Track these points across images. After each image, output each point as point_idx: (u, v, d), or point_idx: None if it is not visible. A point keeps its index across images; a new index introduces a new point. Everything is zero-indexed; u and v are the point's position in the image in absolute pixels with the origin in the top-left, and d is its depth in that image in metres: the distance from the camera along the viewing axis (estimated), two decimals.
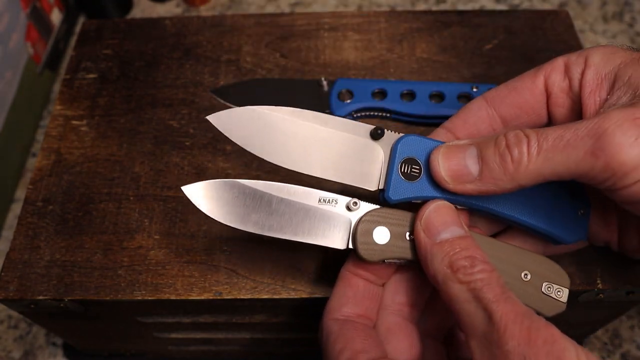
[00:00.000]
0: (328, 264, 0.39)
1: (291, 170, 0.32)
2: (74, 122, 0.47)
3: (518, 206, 0.32)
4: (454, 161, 0.30)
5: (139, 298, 0.38)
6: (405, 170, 0.31)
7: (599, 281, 0.38)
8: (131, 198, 0.43)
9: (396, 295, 0.34)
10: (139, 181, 0.43)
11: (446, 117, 0.44)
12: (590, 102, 0.31)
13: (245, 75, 0.49)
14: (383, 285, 0.34)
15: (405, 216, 0.32)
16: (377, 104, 0.45)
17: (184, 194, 0.32)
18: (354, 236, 0.31)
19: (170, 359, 0.55)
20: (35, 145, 0.68)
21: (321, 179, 0.32)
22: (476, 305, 0.27)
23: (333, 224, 0.32)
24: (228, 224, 0.32)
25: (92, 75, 0.50)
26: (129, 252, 0.40)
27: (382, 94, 0.46)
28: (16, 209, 0.63)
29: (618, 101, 0.30)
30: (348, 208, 0.32)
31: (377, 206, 0.32)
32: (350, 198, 0.32)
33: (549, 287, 0.32)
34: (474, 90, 0.45)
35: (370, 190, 0.32)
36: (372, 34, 0.51)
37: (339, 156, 0.32)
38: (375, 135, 0.32)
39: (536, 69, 0.34)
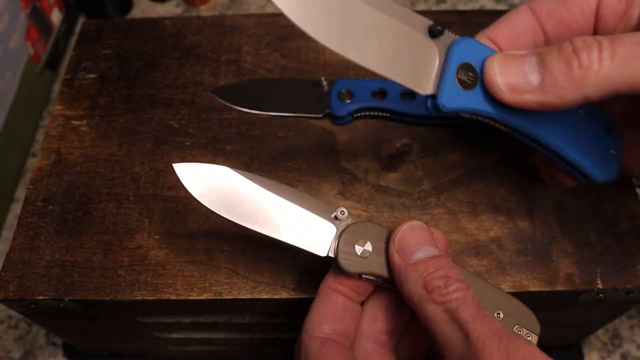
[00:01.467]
0: (328, 264, 0.39)
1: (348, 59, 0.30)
2: (74, 122, 0.47)
3: (559, 134, 0.30)
4: (512, 68, 0.27)
5: (139, 298, 0.38)
6: (461, 77, 0.28)
7: (599, 281, 0.38)
8: (131, 198, 0.43)
9: (374, 322, 0.33)
10: (139, 181, 0.43)
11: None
12: None
13: (245, 75, 0.49)
14: (362, 303, 0.34)
15: (385, 232, 0.32)
16: (377, 104, 0.45)
17: (179, 179, 0.32)
18: (337, 245, 0.31)
19: (170, 359, 0.55)
20: (35, 145, 0.68)
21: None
22: (452, 326, 0.27)
23: (317, 229, 0.32)
24: (213, 210, 0.32)
25: (92, 75, 0.50)
26: (129, 252, 0.40)
27: (382, 94, 0.46)
28: (16, 209, 0.63)
29: None
30: (335, 217, 0.32)
31: (364, 220, 0.32)
32: (338, 207, 0.32)
33: (519, 330, 0.31)
34: None
35: (422, 95, 0.29)
36: None
37: (394, 50, 0.29)
38: (435, 32, 0.29)
39: None
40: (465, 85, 0.28)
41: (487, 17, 0.51)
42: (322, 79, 0.47)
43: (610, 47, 0.25)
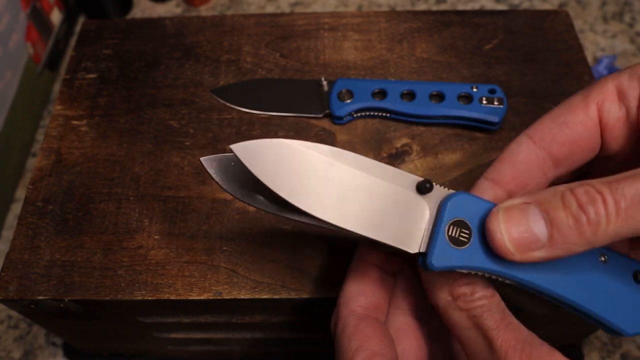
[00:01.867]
0: (328, 264, 0.39)
1: (321, 219, 0.27)
2: (74, 122, 0.47)
3: (575, 287, 0.28)
4: (519, 228, 0.26)
5: (139, 298, 0.38)
6: (453, 234, 0.27)
7: None
8: (131, 198, 0.43)
9: (406, 295, 0.33)
10: (139, 181, 0.43)
11: (446, 117, 0.45)
12: None
13: (245, 75, 0.49)
14: (394, 275, 0.34)
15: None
16: (377, 104, 0.45)
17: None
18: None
19: (170, 359, 0.55)
20: (35, 145, 0.68)
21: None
22: (477, 332, 0.27)
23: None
24: (249, 204, 0.28)
25: (92, 75, 0.50)
26: (129, 252, 0.40)
27: (382, 94, 0.46)
28: (16, 209, 0.63)
29: None
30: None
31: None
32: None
33: None
34: (474, 90, 0.45)
35: (410, 253, 0.28)
36: (372, 34, 0.51)
37: (380, 210, 0.27)
38: (423, 189, 0.28)
39: (584, 96, 0.30)
40: (458, 243, 0.27)
41: (487, 17, 0.52)
42: (322, 79, 0.47)
43: (613, 199, 0.25)
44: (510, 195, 0.30)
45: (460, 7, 0.78)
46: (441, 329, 0.34)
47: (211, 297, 0.38)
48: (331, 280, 0.39)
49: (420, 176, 0.28)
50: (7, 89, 0.61)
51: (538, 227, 0.26)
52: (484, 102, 0.45)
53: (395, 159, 0.44)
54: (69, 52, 0.63)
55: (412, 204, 0.28)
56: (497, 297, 0.28)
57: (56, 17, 0.72)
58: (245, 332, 0.47)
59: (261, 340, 0.49)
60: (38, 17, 0.67)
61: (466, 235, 0.27)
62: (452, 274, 0.28)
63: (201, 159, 0.29)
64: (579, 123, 0.30)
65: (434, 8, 0.78)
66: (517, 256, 0.26)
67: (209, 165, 0.29)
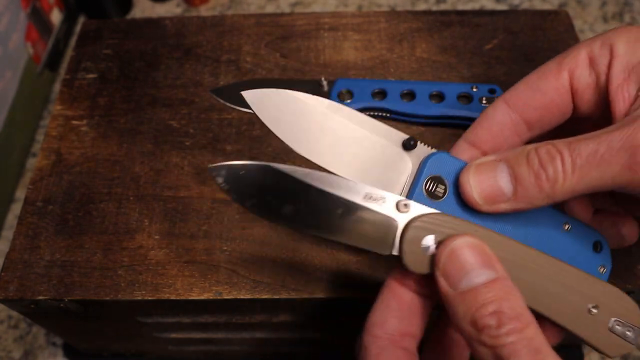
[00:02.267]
0: (328, 264, 0.39)
1: (315, 163, 0.30)
2: (74, 122, 0.47)
3: (534, 245, 0.29)
4: (487, 182, 0.28)
5: (139, 298, 0.38)
6: (430, 189, 0.30)
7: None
8: (131, 198, 0.43)
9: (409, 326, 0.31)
10: (139, 181, 0.43)
11: (446, 117, 0.45)
12: (619, 98, 0.29)
13: (245, 75, 0.49)
14: (432, 298, 0.30)
15: (461, 225, 0.28)
16: (377, 104, 0.45)
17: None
18: (400, 243, 0.28)
19: (170, 359, 0.55)
20: (35, 145, 0.68)
21: None
22: None
23: (378, 225, 0.28)
24: (258, 215, 0.28)
25: (92, 75, 0.50)
26: (129, 252, 0.40)
27: (382, 94, 0.46)
28: (16, 209, 0.63)
29: None
30: (397, 208, 0.28)
31: (430, 209, 0.28)
32: (400, 197, 0.28)
33: (618, 325, 0.28)
34: (474, 90, 0.45)
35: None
36: (372, 34, 0.51)
37: (368, 160, 0.30)
38: (408, 146, 0.30)
39: (557, 62, 0.31)
40: (434, 197, 0.30)
41: (487, 17, 0.52)
42: (322, 79, 0.47)
43: (570, 157, 0.27)
44: (486, 155, 0.32)
45: (460, 7, 0.78)
46: None
47: (211, 297, 0.38)
48: (331, 280, 0.39)
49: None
50: (7, 89, 0.61)
51: (504, 182, 0.28)
52: (484, 102, 0.45)
53: None
54: (69, 52, 0.63)
55: (397, 158, 0.31)
56: (531, 330, 0.24)
57: (56, 17, 0.72)
58: (245, 332, 0.47)
59: (261, 340, 0.49)
60: (38, 17, 0.67)
61: (442, 190, 0.30)
62: (475, 294, 0.25)
63: (209, 166, 0.28)
64: (551, 89, 0.31)
65: (434, 8, 0.78)
66: (484, 207, 0.29)
67: (217, 173, 0.28)
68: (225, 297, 0.38)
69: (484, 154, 0.32)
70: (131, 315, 0.43)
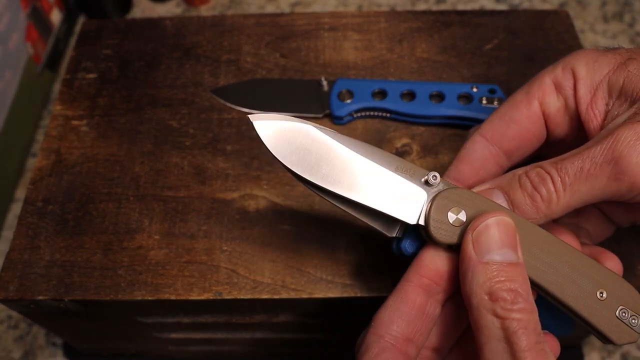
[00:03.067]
0: (328, 264, 0.39)
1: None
2: (74, 122, 0.47)
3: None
4: None
5: (139, 298, 0.38)
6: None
7: None
8: (131, 198, 0.43)
9: (440, 329, 0.31)
10: (139, 181, 0.43)
11: (446, 117, 0.45)
12: (591, 116, 0.31)
13: (245, 75, 0.49)
14: (444, 304, 0.31)
15: (486, 203, 0.29)
16: (377, 104, 0.45)
17: (257, 131, 0.29)
18: (428, 212, 0.29)
19: (170, 359, 0.55)
20: (35, 145, 0.68)
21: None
22: (504, 348, 0.25)
23: (407, 194, 0.29)
24: (295, 171, 0.29)
25: (92, 75, 0.50)
26: (129, 252, 0.40)
27: (382, 94, 0.46)
28: (16, 209, 0.63)
29: (619, 113, 0.30)
30: (426, 182, 0.29)
31: (457, 185, 0.30)
32: (430, 171, 0.29)
33: (624, 312, 0.29)
34: (474, 90, 0.45)
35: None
36: (372, 34, 0.51)
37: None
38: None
39: (525, 92, 0.33)
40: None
41: (487, 17, 0.52)
42: (322, 79, 0.47)
43: (559, 177, 0.28)
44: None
45: (460, 7, 0.78)
46: None
47: (211, 297, 0.38)
48: (331, 280, 0.39)
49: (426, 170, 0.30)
50: (7, 89, 0.61)
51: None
52: (484, 102, 0.45)
53: None
54: (69, 52, 0.63)
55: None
56: (536, 316, 0.26)
57: (56, 17, 0.72)
58: (245, 332, 0.47)
59: (261, 340, 0.49)
60: (38, 17, 0.67)
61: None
62: (499, 268, 0.27)
63: (251, 118, 0.29)
64: (524, 118, 0.33)
65: (434, 8, 0.78)
66: None
67: (261, 128, 0.29)
68: (225, 297, 0.38)
69: (470, 188, 0.33)
70: (131, 315, 0.43)
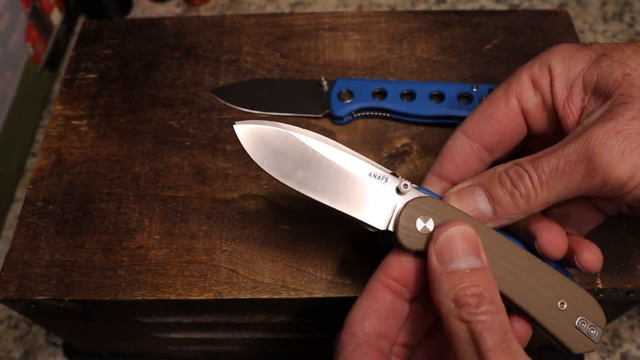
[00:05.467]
0: (328, 264, 0.39)
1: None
2: (74, 122, 0.47)
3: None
4: (468, 208, 0.31)
5: (139, 298, 0.38)
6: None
7: (599, 281, 0.38)
8: (131, 198, 0.43)
9: (409, 326, 0.33)
10: (139, 181, 0.43)
11: (446, 117, 0.45)
12: (568, 113, 0.32)
13: (245, 75, 0.49)
14: (411, 302, 0.32)
15: (454, 212, 0.31)
16: (377, 104, 0.45)
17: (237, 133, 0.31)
18: (397, 219, 0.30)
19: (170, 359, 0.55)
20: (35, 145, 0.68)
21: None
22: (473, 350, 0.26)
23: (378, 201, 0.31)
24: (271, 174, 0.31)
25: (92, 75, 0.50)
26: (129, 252, 0.40)
27: (382, 94, 0.46)
28: (16, 209, 0.63)
29: (594, 109, 0.31)
30: (397, 189, 0.31)
31: (427, 194, 0.31)
32: (401, 179, 0.31)
33: (583, 323, 0.30)
34: (474, 90, 0.45)
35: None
36: (372, 34, 0.51)
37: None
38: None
39: (504, 89, 0.34)
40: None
41: (487, 17, 0.52)
42: (322, 79, 0.47)
43: (535, 174, 0.30)
44: (455, 185, 0.34)
45: (460, 7, 0.78)
46: None
47: (211, 297, 0.38)
48: (331, 280, 0.39)
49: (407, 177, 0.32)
50: (7, 89, 0.61)
51: (483, 205, 0.31)
52: None
53: (395, 159, 0.44)
54: (69, 52, 0.63)
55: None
56: (503, 316, 0.27)
57: (56, 17, 0.72)
58: (245, 332, 0.47)
59: (261, 340, 0.49)
60: (38, 17, 0.67)
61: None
62: (462, 275, 0.28)
63: (234, 125, 0.31)
64: (503, 115, 0.34)
65: (434, 8, 0.78)
66: None
67: (241, 132, 0.31)
68: (225, 297, 0.38)
69: (454, 183, 0.35)
70: (131, 315, 0.43)
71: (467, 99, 0.45)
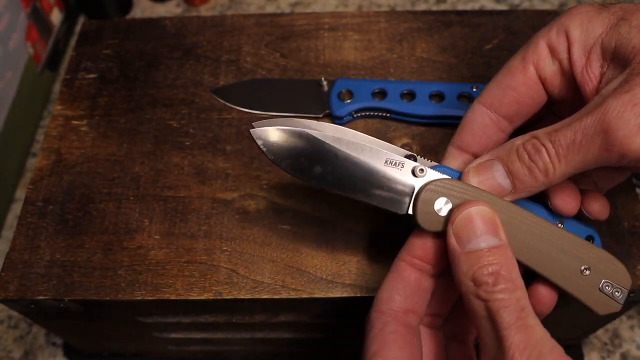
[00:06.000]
0: (328, 264, 0.39)
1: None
2: (74, 122, 0.47)
3: None
4: (488, 182, 0.31)
5: (139, 298, 0.38)
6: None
7: None
8: (131, 198, 0.43)
9: (436, 300, 0.33)
10: (139, 181, 0.43)
11: (446, 117, 0.45)
12: (586, 80, 0.32)
13: (245, 75, 0.49)
14: (437, 277, 0.33)
15: (471, 191, 0.31)
16: (377, 104, 0.45)
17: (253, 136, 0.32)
18: (415, 203, 0.31)
19: (170, 359, 0.55)
20: (35, 145, 0.68)
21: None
22: (490, 326, 0.27)
23: (396, 187, 0.31)
24: (291, 173, 0.32)
25: (92, 75, 0.50)
26: (129, 252, 0.40)
27: (382, 94, 0.46)
28: (16, 209, 0.63)
29: (613, 76, 0.30)
30: (414, 173, 0.31)
31: (444, 175, 0.32)
32: (417, 163, 0.31)
33: (608, 286, 0.31)
34: (474, 90, 0.45)
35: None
36: (372, 34, 0.51)
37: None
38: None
39: (521, 57, 0.34)
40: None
41: (487, 17, 0.52)
42: (322, 79, 0.47)
43: (553, 148, 0.30)
44: (476, 157, 0.34)
45: (460, 7, 0.78)
46: (460, 332, 0.34)
47: (211, 297, 0.38)
48: (331, 280, 0.39)
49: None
50: (7, 89, 0.61)
51: (501, 179, 0.31)
52: None
53: None
54: (69, 52, 0.63)
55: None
56: (520, 292, 0.28)
57: (56, 17, 0.72)
58: (245, 332, 0.47)
59: (261, 340, 0.49)
60: (38, 17, 0.67)
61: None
62: (479, 255, 0.28)
63: (251, 130, 0.32)
64: (521, 84, 0.34)
65: (434, 8, 0.78)
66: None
67: (258, 136, 0.32)
68: (225, 297, 0.38)
69: (475, 155, 0.35)
70: (131, 315, 0.43)
71: (467, 99, 0.45)
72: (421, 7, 0.78)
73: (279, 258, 0.40)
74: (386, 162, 0.32)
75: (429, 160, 0.33)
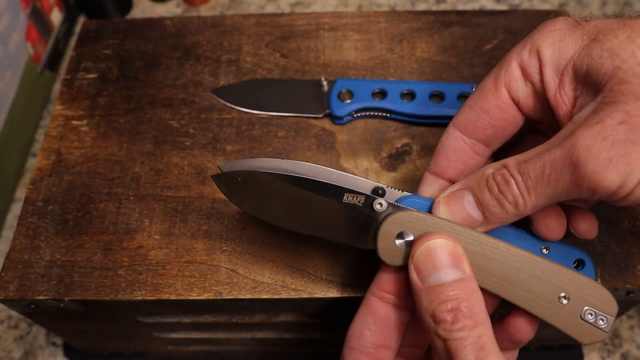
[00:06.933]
0: (328, 264, 0.39)
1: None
2: (74, 122, 0.47)
3: None
4: (458, 214, 0.30)
5: (139, 298, 0.38)
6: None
7: (599, 281, 0.38)
8: (131, 198, 0.43)
9: (410, 332, 0.33)
10: (139, 181, 0.43)
11: (446, 117, 0.45)
12: (559, 103, 0.30)
13: (245, 75, 0.49)
14: (412, 309, 0.32)
15: (433, 222, 0.30)
16: (377, 104, 0.45)
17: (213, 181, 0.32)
18: (375, 238, 0.30)
19: (170, 359, 0.55)
20: (35, 145, 0.68)
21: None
22: None
23: (357, 223, 0.31)
24: (253, 214, 0.32)
25: (92, 75, 0.50)
26: (129, 252, 0.40)
27: (382, 94, 0.46)
28: (16, 209, 0.63)
29: (586, 102, 0.29)
30: (372, 207, 0.31)
31: (405, 207, 0.31)
32: (376, 197, 0.31)
33: (590, 314, 0.29)
34: (474, 90, 0.45)
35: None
36: (372, 34, 0.51)
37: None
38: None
39: (493, 78, 0.32)
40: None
41: (487, 17, 0.52)
42: (322, 79, 0.47)
43: (522, 180, 0.28)
44: (453, 182, 0.33)
45: (460, 7, 0.78)
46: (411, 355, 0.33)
47: (211, 297, 0.38)
48: (331, 280, 0.39)
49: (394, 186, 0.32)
50: (7, 89, 0.61)
51: (472, 209, 0.30)
52: None
53: (395, 159, 0.44)
54: (69, 52, 0.63)
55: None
56: (481, 329, 0.26)
57: (56, 17, 0.72)
58: (245, 332, 0.47)
59: (261, 340, 0.49)
60: (38, 17, 0.67)
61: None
62: (440, 290, 0.27)
63: (211, 176, 0.32)
64: (494, 107, 0.32)
65: (434, 8, 0.78)
66: None
67: (218, 181, 0.32)
68: (225, 297, 0.38)
69: (451, 181, 0.34)
70: (131, 315, 0.43)
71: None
72: (421, 7, 0.78)
73: (279, 258, 0.40)
74: (346, 198, 0.31)
75: (400, 191, 0.32)
